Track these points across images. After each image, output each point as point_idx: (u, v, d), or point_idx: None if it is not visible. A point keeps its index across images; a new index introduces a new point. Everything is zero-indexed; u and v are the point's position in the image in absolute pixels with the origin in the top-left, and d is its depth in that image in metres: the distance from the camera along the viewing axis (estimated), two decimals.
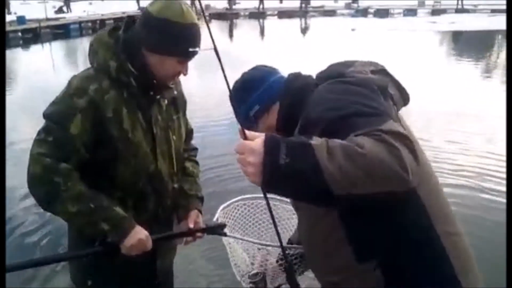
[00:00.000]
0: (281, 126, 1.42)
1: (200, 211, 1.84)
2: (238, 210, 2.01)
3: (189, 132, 1.96)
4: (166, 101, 1.74)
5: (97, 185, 1.60)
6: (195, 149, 2.03)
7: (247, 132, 1.09)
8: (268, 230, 2.06)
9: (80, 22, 24.39)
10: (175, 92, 1.78)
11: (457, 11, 31.48)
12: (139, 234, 1.60)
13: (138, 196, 1.68)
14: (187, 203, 1.83)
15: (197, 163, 1.99)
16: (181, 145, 1.82)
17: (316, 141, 1.02)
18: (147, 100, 1.67)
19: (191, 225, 1.77)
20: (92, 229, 1.57)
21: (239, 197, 2.03)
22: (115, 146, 1.59)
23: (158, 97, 1.69)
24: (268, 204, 1.25)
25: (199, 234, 1.79)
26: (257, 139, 1.04)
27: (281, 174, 0.99)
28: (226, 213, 1.95)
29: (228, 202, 1.97)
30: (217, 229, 1.78)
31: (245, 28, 25.36)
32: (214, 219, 1.86)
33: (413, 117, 5.75)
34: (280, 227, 2.05)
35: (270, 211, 1.36)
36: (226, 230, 1.81)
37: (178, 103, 1.81)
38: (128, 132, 1.61)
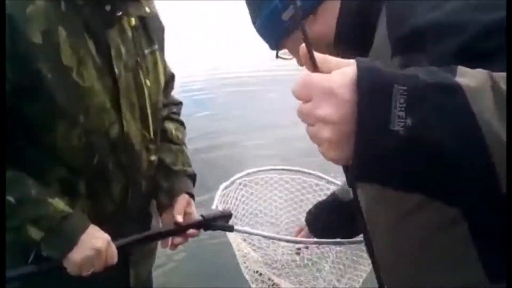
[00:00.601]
0: (343, 37, 0.81)
1: (192, 196, 1.22)
2: (244, 189, 1.45)
3: (169, 78, 1.30)
4: (133, 22, 1.09)
5: (24, 161, 1.01)
6: (179, 103, 1.38)
7: (319, 56, 0.56)
8: (289, 215, 1.49)
9: None
10: (147, 10, 1.12)
11: None
12: (95, 241, 1.02)
13: (94, 175, 1.07)
14: (171, 184, 1.21)
15: (182, 124, 1.35)
16: (159, 95, 1.18)
17: (464, 75, 0.52)
18: (101, 20, 1.03)
19: (179, 218, 1.16)
20: (15, 237, 0.97)
21: (244, 172, 1.45)
22: (49, 94, 0.97)
23: (119, 14, 1.03)
24: (355, 199, 0.60)
25: (192, 230, 1.16)
26: (339, 71, 0.53)
27: (393, 149, 0.51)
28: (228, 196, 1.36)
29: (230, 180, 1.40)
30: (220, 222, 1.19)
31: None
32: (213, 206, 1.26)
33: None
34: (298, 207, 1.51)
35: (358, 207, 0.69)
36: (232, 221, 1.23)
37: (152, 30, 1.16)
38: (71, 70, 0.99)
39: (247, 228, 1.23)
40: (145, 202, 1.21)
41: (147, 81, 1.11)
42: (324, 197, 1.48)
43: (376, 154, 0.51)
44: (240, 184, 1.45)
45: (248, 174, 1.46)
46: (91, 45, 1.01)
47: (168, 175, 1.21)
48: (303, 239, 1.29)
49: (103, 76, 1.03)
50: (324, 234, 1.28)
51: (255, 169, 1.50)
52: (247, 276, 1.33)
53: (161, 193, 1.21)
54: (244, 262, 1.30)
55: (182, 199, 1.20)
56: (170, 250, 1.22)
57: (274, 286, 1.31)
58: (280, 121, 5.00)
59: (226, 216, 1.22)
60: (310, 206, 1.49)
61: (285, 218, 1.52)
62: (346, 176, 0.60)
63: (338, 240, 1.21)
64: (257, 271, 1.30)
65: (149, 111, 1.12)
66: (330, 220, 1.27)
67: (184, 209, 1.19)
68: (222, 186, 1.36)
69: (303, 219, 1.51)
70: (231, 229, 1.19)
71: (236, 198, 1.42)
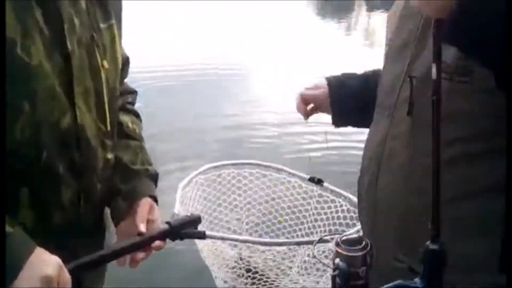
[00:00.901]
0: None
1: (155, 199, 1.03)
2: (201, 187, 1.29)
3: (125, 61, 1.10)
4: None
5: None
6: (134, 92, 1.17)
7: None
8: (249, 213, 1.37)
9: None
10: None
11: None
12: (45, 267, 0.79)
13: (40, 179, 0.85)
14: (131, 187, 1.01)
15: (138, 116, 1.14)
16: (116, 80, 0.98)
17: None
18: None
19: (143, 228, 0.96)
20: None
21: (202, 168, 1.30)
22: None
23: None
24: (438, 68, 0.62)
25: (157, 242, 0.98)
26: None
27: None
28: (186, 196, 1.20)
29: (187, 179, 1.24)
30: (189, 228, 1.02)
31: None
32: (175, 209, 1.09)
33: None
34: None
35: None
36: (201, 226, 1.07)
37: (108, 1, 0.97)
38: (14, 43, 0.78)
39: (220, 234, 1.09)
40: (99, 211, 0.99)
41: (104, 62, 0.91)
42: (285, 191, 1.39)
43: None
44: (196, 183, 1.29)
45: (205, 171, 1.31)
46: (38, 14, 0.80)
47: (126, 176, 1.01)
48: (283, 240, 1.17)
49: (52, 53, 0.81)
50: (341, 106, 1.07)
51: (210, 165, 1.35)
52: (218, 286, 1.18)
53: (119, 198, 1.00)
54: (217, 268, 1.16)
55: (145, 203, 1.00)
56: None
57: None
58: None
59: (194, 221, 1.05)
60: (271, 202, 1.39)
61: (245, 218, 1.40)
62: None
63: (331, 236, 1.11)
64: (225, 281, 1.16)
65: (105, 98, 0.92)
66: (357, 92, 1.08)
67: (146, 216, 1.00)
68: (180, 186, 1.20)
69: (263, 215, 1.41)
70: (203, 236, 1.03)
71: (194, 199, 1.26)
